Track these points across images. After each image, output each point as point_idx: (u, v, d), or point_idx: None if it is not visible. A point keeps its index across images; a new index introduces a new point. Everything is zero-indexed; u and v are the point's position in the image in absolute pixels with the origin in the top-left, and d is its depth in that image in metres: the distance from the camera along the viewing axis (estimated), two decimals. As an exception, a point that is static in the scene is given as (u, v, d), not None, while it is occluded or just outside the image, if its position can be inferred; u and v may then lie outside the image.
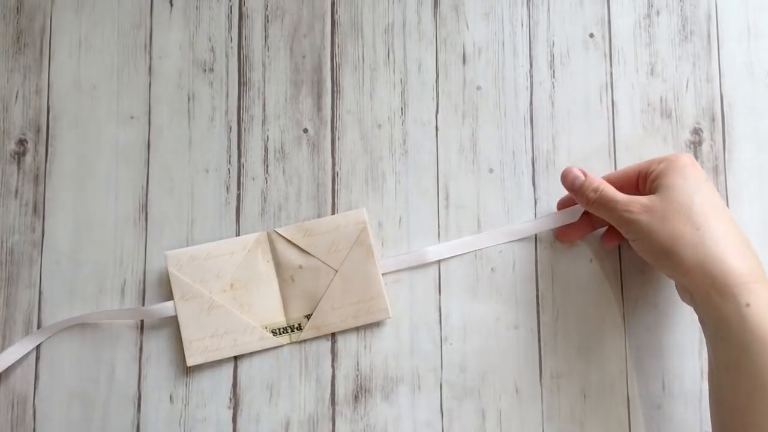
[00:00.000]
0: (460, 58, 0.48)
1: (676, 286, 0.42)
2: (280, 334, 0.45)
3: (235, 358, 0.45)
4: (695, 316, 0.40)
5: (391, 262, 0.46)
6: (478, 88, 0.48)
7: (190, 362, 0.44)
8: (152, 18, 0.48)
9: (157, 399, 0.45)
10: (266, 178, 0.47)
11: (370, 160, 0.47)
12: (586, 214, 0.44)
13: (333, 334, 0.46)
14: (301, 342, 0.45)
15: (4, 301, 0.46)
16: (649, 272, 0.46)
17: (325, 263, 0.45)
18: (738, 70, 0.48)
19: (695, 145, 0.47)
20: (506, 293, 0.46)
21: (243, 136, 0.47)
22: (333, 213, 0.47)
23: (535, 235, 0.46)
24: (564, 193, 0.45)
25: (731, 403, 0.37)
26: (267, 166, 0.47)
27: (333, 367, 0.45)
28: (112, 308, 0.46)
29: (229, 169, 0.47)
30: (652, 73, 0.48)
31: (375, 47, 0.48)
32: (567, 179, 0.43)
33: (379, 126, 0.47)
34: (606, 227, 0.45)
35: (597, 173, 0.44)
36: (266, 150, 0.47)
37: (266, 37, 0.48)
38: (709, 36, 0.48)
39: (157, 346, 0.45)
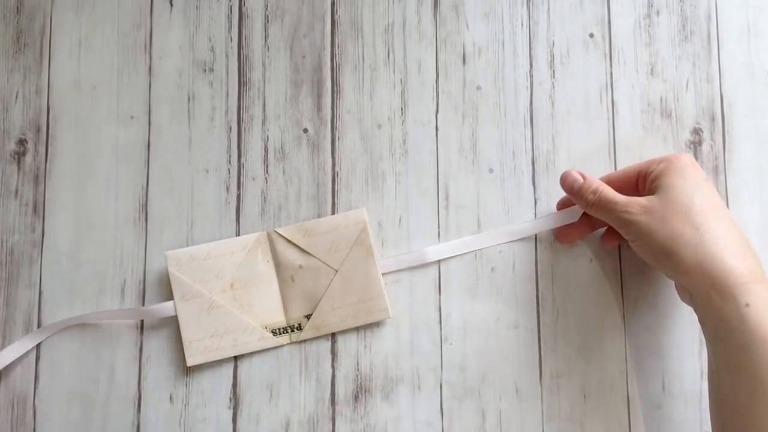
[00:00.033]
0: (460, 58, 0.48)
1: (675, 286, 0.42)
2: (280, 334, 0.45)
3: (235, 358, 0.45)
4: (695, 317, 0.40)
5: (391, 262, 0.46)
6: (478, 88, 0.48)
7: (190, 362, 0.44)
8: (152, 18, 0.48)
9: (157, 399, 0.45)
10: (266, 178, 0.47)
11: (370, 160, 0.47)
12: (585, 214, 0.44)
13: (333, 334, 0.46)
14: (301, 342, 0.45)
15: (4, 301, 0.46)
16: (649, 272, 0.46)
17: (325, 263, 0.45)
18: (738, 70, 0.48)
19: (695, 145, 0.47)
20: (506, 293, 0.46)
21: (243, 136, 0.47)
22: (333, 213, 0.47)
23: (535, 235, 0.46)
24: (564, 193, 0.45)
25: (731, 403, 0.37)
26: (267, 166, 0.47)
27: (333, 367, 0.45)
28: (112, 308, 0.46)
29: (229, 169, 0.47)
30: (652, 73, 0.48)
31: (375, 47, 0.48)
32: (566, 182, 0.43)
33: (379, 126, 0.47)
34: (606, 227, 0.45)
35: (597, 173, 0.44)
36: (266, 150, 0.47)
37: (266, 37, 0.48)
38: (709, 36, 0.48)
39: (157, 346, 0.45)
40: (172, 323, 0.45)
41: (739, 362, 0.36)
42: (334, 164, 0.47)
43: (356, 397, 0.45)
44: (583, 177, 0.42)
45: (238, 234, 0.46)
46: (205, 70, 0.48)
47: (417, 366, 0.45)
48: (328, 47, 0.48)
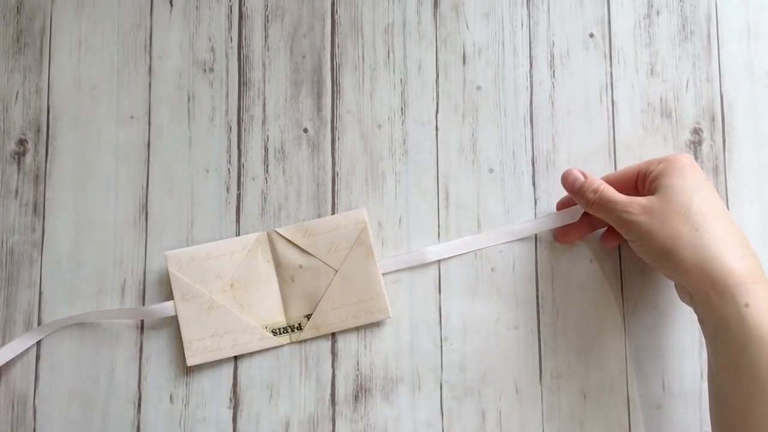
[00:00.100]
0: (460, 58, 0.48)
1: (675, 286, 0.42)
2: (280, 334, 0.45)
3: (235, 358, 0.45)
4: (695, 317, 0.40)
5: (391, 262, 0.46)
6: (478, 88, 0.48)
7: (190, 362, 0.44)
8: (152, 18, 0.48)
9: (157, 399, 0.45)
10: (266, 178, 0.47)
11: (370, 160, 0.47)
12: (585, 214, 0.44)
13: (333, 334, 0.46)
14: (301, 342, 0.45)
15: (4, 301, 0.46)
16: (649, 273, 0.46)
17: (325, 263, 0.45)
18: (738, 70, 0.48)
19: (695, 145, 0.47)
20: (506, 293, 0.46)
21: (243, 136, 0.47)
22: (333, 213, 0.47)
23: (535, 235, 0.46)
24: (564, 193, 0.45)
25: (731, 403, 0.37)
26: (267, 166, 0.47)
27: (333, 367, 0.45)
28: (112, 308, 0.46)
29: (229, 169, 0.47)
30: (652, 73, 0.48)
31: (375, 47, 0.48)
32: (567, 181, 0.43)
33: (379, 126, 0.47)
34: (605, 228, 0.45)
35: (597, 173, 0.44)
36: (266, 150, 0.47)
37: (266, 37, 0.48)
38: (709, 36, 0.48)
39: (157, 346, 0.45)
40: (172, 323, 0.45)
41: (738, 362, 0.36)
42: (334, 164, 0.47)
43: (356, 397, 0.45)
44: (584, 176, 0.42)
45: (238, 234, 0.46)
46: (205, 70, 0.48)
47: (417, 366, 0.45)
48: (328, 47, 0.48)
